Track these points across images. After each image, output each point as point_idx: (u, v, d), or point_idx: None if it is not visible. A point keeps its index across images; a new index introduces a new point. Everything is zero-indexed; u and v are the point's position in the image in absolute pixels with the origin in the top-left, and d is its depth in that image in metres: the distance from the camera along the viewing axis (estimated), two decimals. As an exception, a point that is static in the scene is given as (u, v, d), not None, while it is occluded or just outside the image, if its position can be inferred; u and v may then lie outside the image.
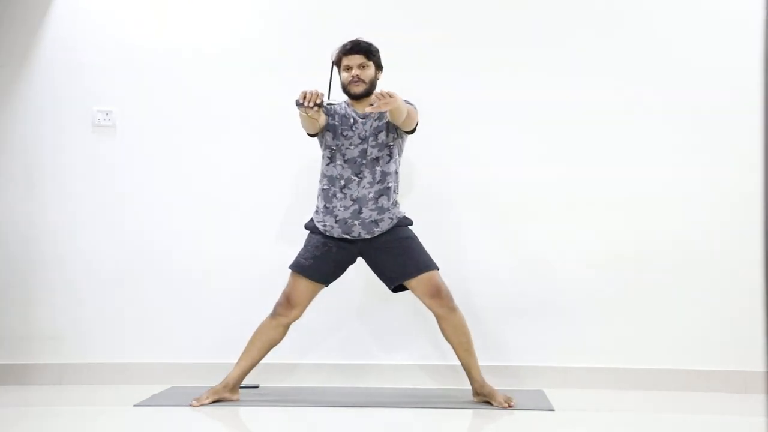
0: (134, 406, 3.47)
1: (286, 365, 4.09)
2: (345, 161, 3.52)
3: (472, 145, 4.10)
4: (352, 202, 3.50)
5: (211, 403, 3.49)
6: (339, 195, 3.52)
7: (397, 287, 3.58)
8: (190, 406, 3.45)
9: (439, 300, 3.49)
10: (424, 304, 3.54)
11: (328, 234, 3.54)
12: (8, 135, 4.19)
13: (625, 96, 4.06)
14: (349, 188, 3.51)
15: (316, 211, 3.59)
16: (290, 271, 3.57)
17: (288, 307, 3.54)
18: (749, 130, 3.32)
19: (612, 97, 4.06)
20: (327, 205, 3.53)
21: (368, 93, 3.55)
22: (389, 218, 3.52)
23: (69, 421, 3.40)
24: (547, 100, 4.07)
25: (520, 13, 4.14)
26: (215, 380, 3.64)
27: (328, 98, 3.39)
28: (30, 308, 4.15)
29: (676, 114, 4.03)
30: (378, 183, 3.51)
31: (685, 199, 4.02)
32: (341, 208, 3.51)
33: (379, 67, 3.59)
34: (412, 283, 3.52)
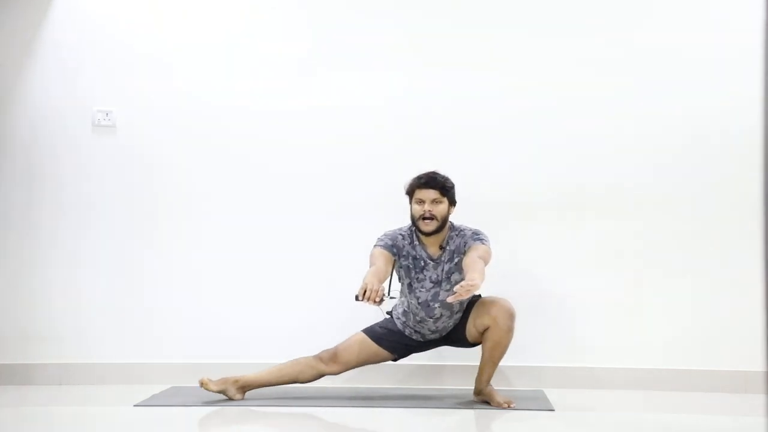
0: (134, 406, 3.46)
1: (286, 365, 4.08)
2: (419, 303, 3.48)
3: (471, 145, 4.10)
4: (430, 332, 3.54)
5: (216, 391, 3.47)
6: (416, 327, 3.54)
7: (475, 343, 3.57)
8: (199, 381, 3.45)
9: (501, 310, 3.40)
10: (486, 322, 3.42)
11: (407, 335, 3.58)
12: (8, 135, 4.19)
13: (625, 96, 4.05)
14: (425, 324, 3.52)
15: (398, 318, 3.58)
16: (360, 333, 3.56)
17: (331, 359, 3.52)
18: (749, 130, 3.33)
19: (612, 97, 4.06)
20: (407, 323, 3.56)
21: (438, 230, 3.45)
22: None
23: (69, 421, 3.40)
24: (547, 100, 4.07)
25: (520, 13, 4.14)
26: (232, 375, 3.61)
27: (389, 294, 3.27)
28: (30, 308, 4.15)
29: (676, 114, 4.03)
30: (456, 313, 3.51)
31: (685, 199, 4.02)
32: (422, 333, 3.55)
33: (452, 203, 3.50)
34: (473, 315, 3.47)
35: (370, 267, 3.30)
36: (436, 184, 3.44)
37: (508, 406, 3.42)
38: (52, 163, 4.18)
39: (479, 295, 3.54)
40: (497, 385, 3.58)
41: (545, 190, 4.07)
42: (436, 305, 3.45)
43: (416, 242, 3.48)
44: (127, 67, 4.19)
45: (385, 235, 3.47)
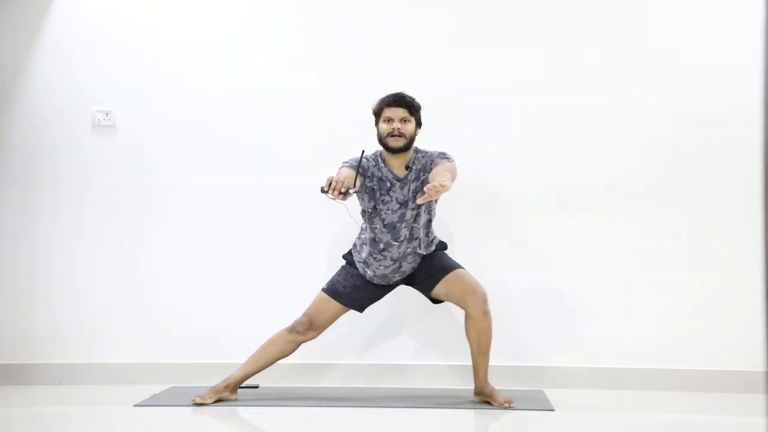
0: (134, 406, 3.47)
1: (286, 365, 4.08)
2: (384, 225, 3.49)
3: (471, 145, 4.09)
4: (392, 262, 3.53)
5: (213, 402, 3.48)
6: (378, 257, 3.52)
7: (436, 300, 3.62)
8: (191, 404, 3.44)
9: (474, 298, 3.45)
10: (460, 305, 3.52)
11: (367, 278, 3.57)
12: (8, 135, 4.19)
13: (625, 96, 4.05)
14: (389, 251, 3.50)
15: (358, 253, 3.58)
16: (321, 292, 3.57)
17: (308, 328, 3.54)
18: (750, 130, 3.33)
19: (613, 98, 4.06)
20: (366, 260, 3.55)
21: (406, 148, 3.49)
22: (428, 257, 3.56)
23: (69, 421, 3.40)
24: (547, 100, 4.07)
25: (522, 12, 4.14)
26: (215, 380, 3.63)
27: (355, 186, 3.27)
28: (30, 308, 4.15)
29: (676, 114, 4.03)
30: (415, 239, 3.51)
31: (685, 199, 4.02)
32: (381, 267, 3.53)
33: (419, 124, 3.53)
34: (446, 284, 3.51)
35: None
36: (405, 102, 3.48)
37: (509, 406, 3.43)
38: (52, 163, 4.18)
39: (456, 267, 3.52)
40: (497, 386, 3.58)
41: (545, 190, 4.07)
42: (402, 225, 3.46)
43: (382, 164, 3.52)
44: (127, 67, 4.19)
45: (350, 158, 3.46)
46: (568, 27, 4.11)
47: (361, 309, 3.64)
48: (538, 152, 4.08)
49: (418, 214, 3.50)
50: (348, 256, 3.64)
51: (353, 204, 3.53)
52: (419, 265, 3.57)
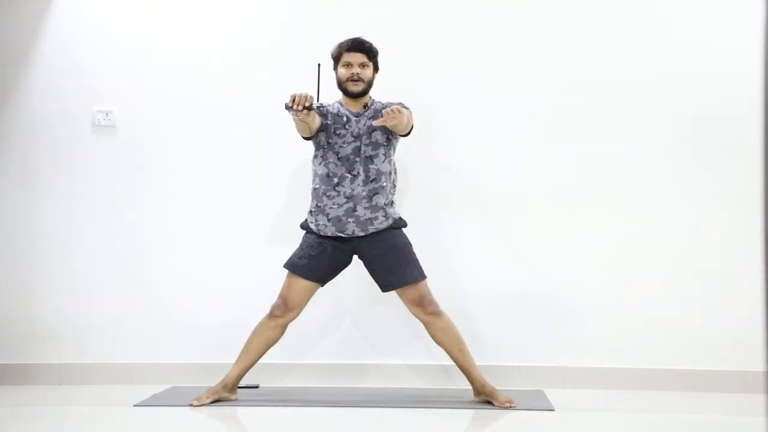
0: (134, 406, 3.47)
1: (286, 365, 4.09)
2: (338, 159, 3.50)
3: (471, 146, 4.10)
4: (345, 200, 3.48)
5: (211, 403, 3.48)
6: (332, 193, 3.49)
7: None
8: (190, 405, 3.45)
9: (422, 308, 3.49)
10: (410, 310, 3.56)
11: (322, 233, 3.53)
12: (8, 135, 4.19)
13: (625, 97, 4.06)
14: (342, 186, 3.48)
15: (310, 212, 3.58)
16: (286, 271, 3.57)
17: (284, 309, 3.54)
18: (750, 131, 3.33)
19: (612, 98, 4.06)
20: (319, 204, 3.52)
21: (365, 92, 3.56)
22: (383, 216, 3.51)
23: (69, 421, 3.40)
24: (547, 101, 4.07)
25: (519, 13, 4.14)
26: (215, 380, 3.64)
27: (318, 100, 3.35)
28: (30, 308, 4.15)
29: (676, 115, 4.03)
30: (372, 181, 3.49)
31: (685, 199, 4.02)
32: (334, 206, 3.49)
33: (376, 69, 3.61)
34: (398, 291, 3.54)
35: None
36: (363, 47, 3.54)
37: (510, 406, 3.43)
38: (52, 163, 4.18)
39: (416, 279, 3.49)
40: (497, 386, 3.58)
41: (545, 190, 4.07)
42: (357, 159, 3.47)
43: (338, 105, 3.59)
44: (127, 67, 4.19)
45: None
46: (568, 26, 4.11)
47: (320, 281, 3.56)
48: (538, 153, 4.08)
49: (375, 155, 3.49)
50: (304, 223, 3.62)
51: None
52: (381, 242, 3.51)
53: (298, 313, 3.58)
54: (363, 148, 3.50)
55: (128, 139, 4.19)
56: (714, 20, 4.04)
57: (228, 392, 3.55)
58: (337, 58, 3.57)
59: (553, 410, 3.40)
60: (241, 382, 3.78)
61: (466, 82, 4.11)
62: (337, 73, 3.57)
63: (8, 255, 4.17)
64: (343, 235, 3.51)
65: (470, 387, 3.59)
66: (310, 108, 3.22)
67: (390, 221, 3.53)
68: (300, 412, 3.44)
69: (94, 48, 4.20)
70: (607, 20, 4.10)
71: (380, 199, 3.50)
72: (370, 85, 3.58)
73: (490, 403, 3.49)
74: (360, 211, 3.48)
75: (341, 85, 3.56)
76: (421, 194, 4.09)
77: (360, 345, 4.11)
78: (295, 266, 3.56)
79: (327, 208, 3.50)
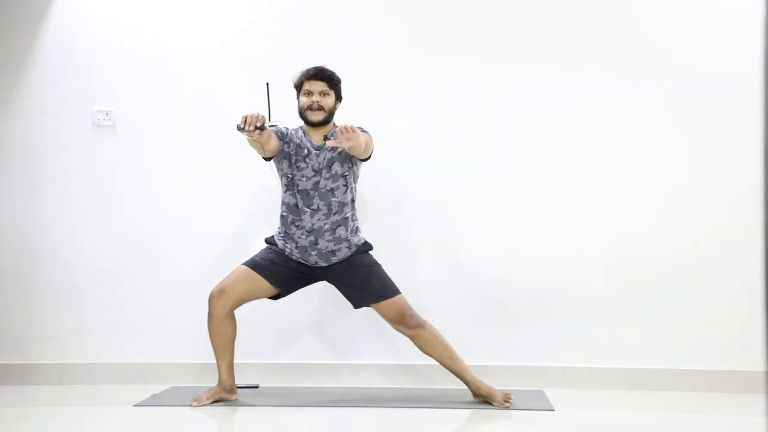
0: (134, 406, 3.47)
1: (286, 365, 4.09)
2: (298, 191, 3.49)
3: (472, 146, 4.10)
4: (308, 233, 3.49)
5: (211, 403, 3.48)
6: (298, 223, 3.50)
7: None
8: (190, 406, 3.44)
9: (404, 323, 3.49)
10: (392, 327, 3.55)
11: (287, 254, 3.54)
12: (8, 135, 4.19)
13: (626, 97, 4.05)
14: (304, 219, 3.48)
15: (279, 234, 3.58)
16: (241, 265, 3.54)
17: (220, 295, 3.46)
18: (750, 131, 3.33)
19: (613, 98, 4.06)
20: (288, 231, 3.53)
21: (326, 122, 3.50)
22: (347, 247, 3.51)
23: (69, 421, 3.40)
24: (548, 101, 4.07)
25: (520, 12, 4.14)
26: (215, 380, 3.64)
27: (269, 120, 3.30)
28: (30, 308, 4.15)
29: (677, 115, 4.03)
30: (334, 214, 3.48)
31: (685, 199, 4.02)
32: (299, 236, 3.50)
33: (339, 98, 3.55)
34: (376, 309, 3.54)
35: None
36: (325, 76, 3.50)
37: (508, 403, 3.43)
38: (52, 163, 4.18)
39: (391, 294, 3.50)
40: (497, 386, 3.58)
41: (545, 190, 4.07)
42: (316, 195, 3.45)
43: (302, 134, 3.54)
44: (127, 67, 4.19)
45: (273, 127, 3.48)
46: (570, 27, 4.11)
47: (278, 284, 3.53)
48: (538, 153, 4.08)
49: (336, 187, 3.47)
50: (270, 239, 3.62)
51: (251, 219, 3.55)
52: (345, 267, 3.53)
53: (233, 306, 3.48)
54: (323, 182, 3.47)
55: (128, 139, 4.19)
56: (714, 19, 4.04)
57: (227, 392, 3.55)
58: (298, 87, 3.52)
59: (553, 410, 3.40)
60: (241, 382, 3.78)
61: (465, 82, 4.10)
62: (298, 102, 3.52)
63: (8, 255, 4.17)
64: (306, 264, 3.53)
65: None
66: (262, 128, 3.19)
67: (353, 249, 3.54)
68: (300, 412, 3.44)
69: (94, 48, 4.20)
70: (607, 20, 4.10)
71: (343, 231, 3.50)
72: (331, 114, 3.51)
73: (489, 403, 3.49)
74: (322, 243, 3.49)
75: (302, 114, 3.51)
76: (424, 194, 4.09)
77: (360, 345, 4.11)
78: (255, 264, 3.53)
79: (295, 236, 3.51)
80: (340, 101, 3.57)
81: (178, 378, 4.03)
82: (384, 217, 4.09)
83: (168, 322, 4.12)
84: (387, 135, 4.12)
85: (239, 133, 3.25)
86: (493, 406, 3.46)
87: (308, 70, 3.51)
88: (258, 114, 3.20)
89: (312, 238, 3.48)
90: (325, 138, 3.50)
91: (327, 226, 3.47)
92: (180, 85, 4.18)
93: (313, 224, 3.47)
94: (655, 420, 3.42)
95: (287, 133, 3.51)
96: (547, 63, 4.09)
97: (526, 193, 4.07)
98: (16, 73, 4.20)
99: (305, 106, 3.49)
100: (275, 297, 3.62)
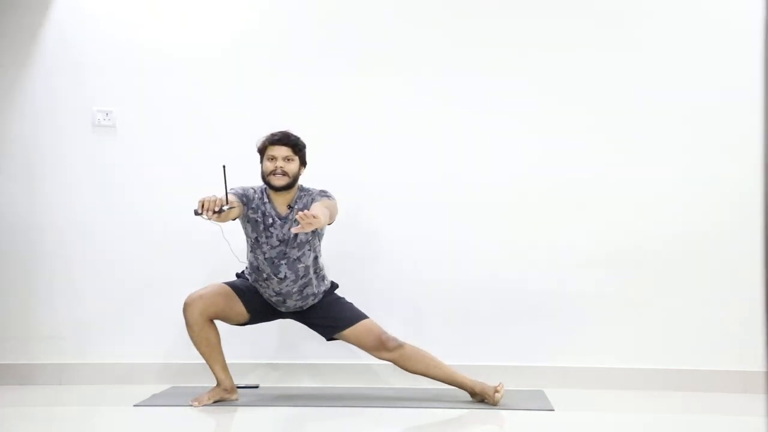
0: (134, 406, 3.47)
1: (286, 365, 4.09)
2: (265, 259, 3.49)
3: (472, 146, 4.10)
4: (275, 294, 3.54)
5: (212, 403, 3.48)
6: (263, 284, 3.54)
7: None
8: (191, 406, 3.44)
9: (384, 348, 3.49)
10: (373, 356, 3.55)
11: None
12: (8, 135, 4.19)
13: (623, 96, 4.05)
14: (270, 283, 3.51)
15: (248, 274, 3.60)
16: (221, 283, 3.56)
17: (196, 303, 3.42)
18: (749, 130, 3.33)
19: (610, 97, 4.05)
20: (257, 282, 3.55)
21: (289, 187, 3.48)
22: (313, 299, 3.57)
23: (69, 421, 3.40)
24: (546, 101, 4.07)
25: (517, 13, 4.13)
26: (215, 380, 3.63)
27: (227, 203, 3.20)
28: (30, 308, 4.15)
29: (675, 113, 4.02)
30: (302, 278, 3.50)
31: (685, 199, 4.02)
32: (267, 294, 3.55)
33: (303, 163, 3.53)
34: (346, 335, 3.54)
35: None
36: (289, 141, 3.48)
37: (499, 393, 3.42)
38: (52, 163, 4.18)
39: (358, 318, 3.54)
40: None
41: (546, 190, 4.06)
42: (282, 263, 3.45)
43: (266, 199, 3.51)
44: (127, 67, 4.19)
45: (237, 186, 3.46)
46: (567, 28, 4.10)
47: (250, 311, 3.54)
48: (538, 152, 4.08)
49: (302, 254, 3.47)
50: (241, 274, 3.68)
51: (237, 239, 3.54)
52: (313, 308, 3.58)
53: (201, 313, 3.43)
54: (289, 251, 3.46)
55: (128, 139, 4.19)
56: (714, 19, 4.03)
57: (228, 392, 3.55)
58: (262, 151, 3.50)
59: (553, 410, 3.40)
60: (241, 382, 3.78)
61: (466, 80, 4.10)
62: (262, 166, 3.50)
63: (8, 255, 4.17)
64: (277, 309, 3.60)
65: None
66: (220, 211, 3.15)
67: (321, 296, 3.58)
68: (300, 412, 3.44)
69: (94, 48, 4.19)
70: (607, 19, 4.09)
71: (310, 290, 3.54)
72: (295, 179, 3.48)
73: (485, 401, 3.48)
74: (290, 303, 3.55)
75: (265, 178, 3.49)
76: (425, 195, 4.09)
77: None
78: (234, 285, 3.56)
79: (262, 291, 3.56)
80: (305, 166, 3.54)
81: (178, 378, 4.03)
82: (384, 217, 4.08)
83: (168, 322, 4.11)
84: (388, 135, 4.13)
85: (196, 217, 3.17)
86: (491, 405, 3.45)
87: (273, 135, 3.49)
88: (215, 198, 3.13)
89: (280, 298, 3.54)
90: (289, 207, 3.49)
91: (295, 290, 3.52)
92: (180, 85, 4.18)
93: (280, 289, 3.51)
94: (655, 420, 3.42)
95: (251, 197, 3.48)
96: (547, 63, 4.08)
97: (527, 194, 4.07)
98: (16, 73, 4.20)
99: (269, 171, 3.46)
100: (241, 324, 3.62)
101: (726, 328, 3.94)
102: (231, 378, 3.57)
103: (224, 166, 3.20)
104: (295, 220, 3.29)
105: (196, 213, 3.14)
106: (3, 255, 4.17)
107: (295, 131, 3.55)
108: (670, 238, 4.01)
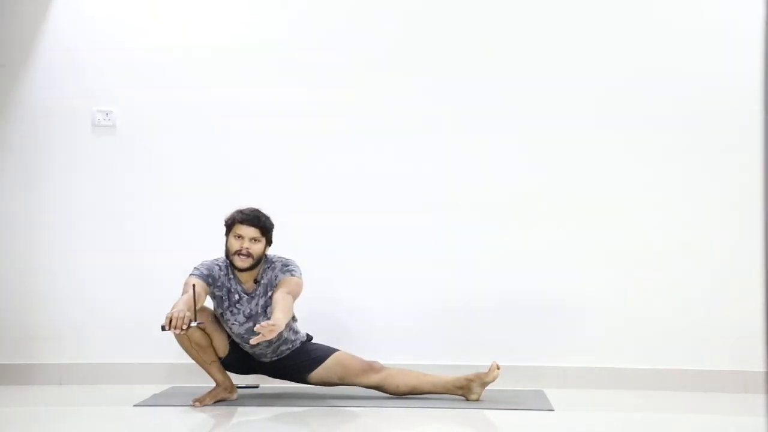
0: (134, 406, 3.47)
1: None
2: (234, 334, 3.50)
3: (473, 147, 4.10)
4: (250, 356, 3.57)
5: (213, 403, 3.48)
6: (236, 347, 3.55)
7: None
8: (191, 406, 3.44)
9: (372, 370, 3.51)
10: (360, 384, 3.54)
11: None
12: (8, 135, 4.19)
13: (623, 97, 4.05)
14: (244, 346, 3.52)
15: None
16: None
17: (199, 314, 3.36)
18: (750, 131, 3.32)
19: (610, 99, 4.05)
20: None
21: (252, 268, 3.45)
22: (288, 350, 3.58)
23: (69, 421, 3.40)
24: (545, 105, 4.07)
25: (511, 16, 4.13)
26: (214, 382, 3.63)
27: (195, 319, 3.19)
28: (30, 309, 4.15)
29: (677, 117, 4.02)
30: (274, 343, 3.49)
31: (685, 200, 4.02)
32: (245, 348, 3.55)
33: (269, 243, 3.51)
34: (332, 367, 3.52)
35: (182, 295, 3.29)
36: (258, 222, 3.44)
37: (497, 370, 3.45)
38: (52, 163, 4.18)
39: (311, 339, 3.60)
40: (498, 386, 3.57)
41: (545, 190, 4.06)
42: (251, 337, 3.30)
43: (231, 275, 3.48)
44: (127, 67, 4.19)
45: (201, 264, 3.46)
46: (562, 31, 4.10)
47: (234, 351, 3.55)
48: (538, 152, 4.08)
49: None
50: None
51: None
52: (289, 356, 3.58)
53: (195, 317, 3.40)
54: (257, 325, 3.38)
55: (128, 139, 4.19)
56: (714, 19, 4.03)
57: (228, 392, 3.55)
58: (229, 227, 3.47)
59: (553, 410, 3.40)
60: (241, 382, 3.78)
61: (465, 82, 4.10)
62: (227, 241, 3.47)
63: (8, 255, 4.17)
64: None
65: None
66: (188, 328, 3.13)
67: (297, 345, 3.59)
68: (300, 412, 3.44)
69: (94, 48, 4.19)
70: (606, 19, 4.09)
71: (285, 347, 3.56)
72: (259, 260, 3.46)
73: (485, 384, 3.48)
74: (266, 360, 3.59)
75: (229, 256, 3.46)
76: (427, 196, 4.08)
77: (359, 345, 4.10)
78: (215, 315, 3.54)
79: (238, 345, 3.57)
80: (270, 245, 3.52)
81: (178, 378, 4.03)
82: (384, 216, 4.08)
83: (168, 322, 4.11)
84: (387, 135, 4.12)
85: (163, 333, 3.16)
86: (494, 402, 3.45)
87: (243, 213, 3.45)
88: (183, 315, 3.09)
89: (256, 359, 3.59)
90: (255, 281, 3.47)
91: (269, 351, 3.55)
92: (180, 85, 4.18)
93: (254, 351, 3.54)
94: (655, 420, 3.42)
95: (217, 276, 3.45)
96: (548, 66, 4.08)
97: (527, 195, 4.07)
98: (16, 73, 4.20)
99: (233, 249, 3.43)
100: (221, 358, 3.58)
101: (726, 328, 3.94)
102: (229, 378, 3.57)
103: (194, 285, 3.23)
104: (254, 332, 3.18)
105: (163, 329, 3.12)
106: (3, 254, 4.17)
107: (264, 211, 3.51)
108: (670, 238, 4.01)
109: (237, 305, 3.46)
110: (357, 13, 4.17)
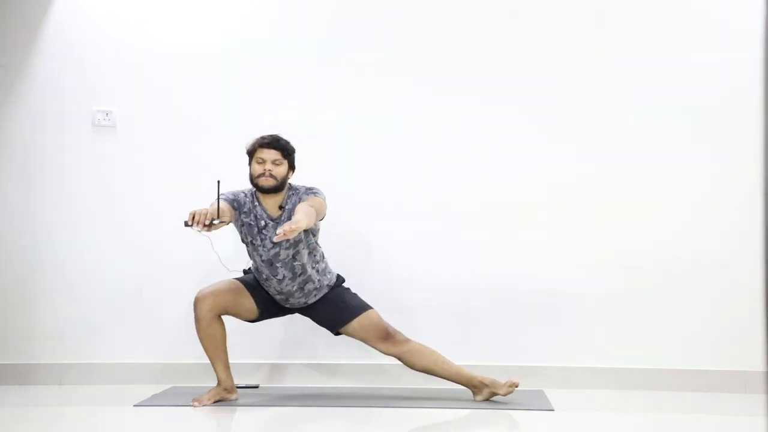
0: (134, 406, 3.47)
1: (286, 365, 4.09)
2: (262, 261, 3.50)
3: (473, 147, 4.10)
4: (277, 293, 3.55)
5: (212, 403, 3.48)
6: (265, 284, 3.56)
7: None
8: (191, 406, 3.44)
9: (392, 341, 3.50)
10: (379, 350, 3.55)
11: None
12: (8, 135, 4.19)
13: (625, 98, 4.05)
14: (271, 282, 3.53)
15: (253, 272, 3.61)
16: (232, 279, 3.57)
17: (206, 299, 3.44)
18: (750, 132, 3.33)
19: (612, 100, 4.05)
20: (260, 281, 3.57)
21: (277, 189, 3.48)
22: (316, 292, 3.57)
23: (69, 421, 3.40)
24: (546, 103, 4.07)
25: (515, 14, 4.13)
26: (215, 381, 3.63)
27: (218, 217, 3.23)
28: (30, 308, 4.15)
29: (676, 116, 4.02)
30: (299, 276, 3.51)
31: (685, 200, 4.02)
32: (272, 292, 3.56)
33: (292, 167, 3.53)
34: (353, 327, 3.54)
35: None
36: (279, 145, 3.49)
37: (513, 387, 3.45)
38: (52, 163, 4.18)
39: (363, 309, 3.55)
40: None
41: (545, 190, 4.06)
42: (278, 264, 3.45)
43: (257, 202, 3.52)
44: (127, 67, 4.19)
45: (227, 191, 3.48)
46: (566, 30, 4.10)
47: (260, 306, 3.56)
48: (538, 152, 4.08)
49: (297, 252, 3.47)
50: (248, 270, 3.68)
51: (224, 246, 3.58)
52: (318, 303, 3.58)
53: (211, 308, 3.46)
54: (283, 253, 3.46)
55: (128, 139, 4.19)
56: (714, 19, 4.04)
57: (228, 392, 3.55)
58: (251, 154, 3.51)
59: (553, 410, 3.40)
60: (241, 382, 3.78)
61: (465, 83, 4.10)
62: (250, 169, 3.51)
63: (8, 255, 4.17)
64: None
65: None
66: (210, 225, 3.16)
67: (326, 290, 3.59)
68: (300, 412, 3.44)
69: (94, 48, 4.20)
70: (609, 19, 4.09)
71: (311, 285, 3.55)
72: (283, 183, 3.49)
73: (494, 394, 3.48)
74: (293, 300, 3.57)
75: (253, 181, 3.50)
76: (427, 195, 4.09)
77: (360, 345, 4.11)
78: (244, 281, 3.58)
79: (266, 288, 3.57)
80: (293, 171, 3.54)
81: (178, 378, 4.03)
82: (384, 218, 4.09)
83: (168, 323, 4.12)
84: (386, 136, 4.13)
85: (186, 228, 3.19)
86: (494, 402, 3.45)
87: (263, 138, 3.50)
88: (206, 211, 3.16)
89: (283, 296, 3.56)
90: (281, 207, 3.50)
91: (295, 288, 3.53)
92: (180, 84, 4.18)
93: (281, 288, 3.52)
94: (655, 420, 3.42)
95: (242, 202, 3.50)
96: (548, 65, 4.08)
97: (527, 194, 4.07)
98: (16, 73, 4.20)
99: (257, 173, 3.47)
100: (252, 320, 3.63)
101: (726, 328, 3.94)
102: (232, 378, 3.57)
103: (219, 182, 3.26)
104: (279, 225, 3.28)
105: (186, 224, 3.16)
106: (3, 254, 4.18)
107: (286, 136, 3.55)
108: (670, 239, 4.01)
109: (264, 231, 3.48)
110: (357, 13, 4.17)
